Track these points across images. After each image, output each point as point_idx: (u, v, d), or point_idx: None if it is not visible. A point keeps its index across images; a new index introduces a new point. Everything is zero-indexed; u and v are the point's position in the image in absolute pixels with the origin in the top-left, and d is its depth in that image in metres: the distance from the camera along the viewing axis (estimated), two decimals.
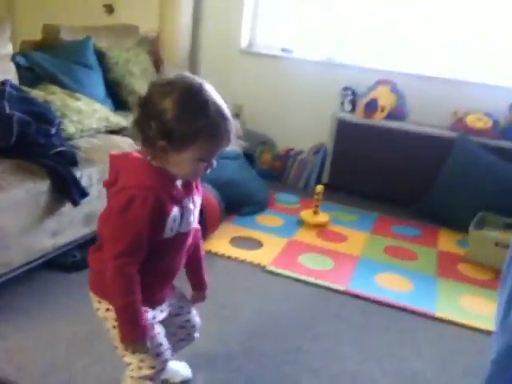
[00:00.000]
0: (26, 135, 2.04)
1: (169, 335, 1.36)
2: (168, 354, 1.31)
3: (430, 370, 1.81)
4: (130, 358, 1.26)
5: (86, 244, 2.18)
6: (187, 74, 1.14)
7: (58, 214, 1.99)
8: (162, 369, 1.30)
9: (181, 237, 1.21)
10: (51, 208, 1.95)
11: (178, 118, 1.06)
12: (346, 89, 3.53)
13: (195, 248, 1.36)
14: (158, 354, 1.27)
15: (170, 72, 1.13)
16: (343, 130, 3.47)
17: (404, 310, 2.16)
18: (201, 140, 1.07)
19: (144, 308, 1.21)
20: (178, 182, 1.18)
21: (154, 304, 1.28)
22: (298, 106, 3.71)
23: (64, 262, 2.15)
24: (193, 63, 3.79)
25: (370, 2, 3.48)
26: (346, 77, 3.53)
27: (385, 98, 3.36)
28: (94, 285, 1.27)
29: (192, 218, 1.22)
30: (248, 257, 2.46)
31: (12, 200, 1.79)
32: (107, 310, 1.23)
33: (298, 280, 2.31)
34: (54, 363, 1.62)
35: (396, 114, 3.41)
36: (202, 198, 1.29)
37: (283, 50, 3.75)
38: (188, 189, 1.21)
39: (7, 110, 2.04)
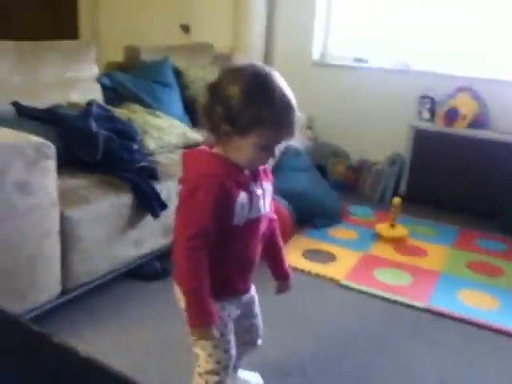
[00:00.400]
0: (111, 151, 2.16)
1: (235, 336, 1.39)
2: (234, 352, 1.34)
3: None
4: (198, 350, 1.31)
5: (165, 254, 2.27)
6: (257, 62, 1.17)
7: (140, 225, 2.09)
8: (228, 365, 1.33)
9: (252, 224, 1.22)
10: (134, 220, 2.05)
11: (243, 104, 1.09)
12: (424, 97, 3.41)
13: (272, 237, 1.36)
14: (226, 351, 1.30)
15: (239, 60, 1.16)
16: (421, 139, 3.34)
17: (489, 328, 2.03)
18: (264, 127, 1.10)
19: (222, 304, 1.25)
20: (244, 168, 1.19)
21: (238, 293, 1.31)
22: (372, 115, 3.64)
23: (145, 271, 2.24)
24: None
25: (446, 4, 3.35)
26: (422, 85, 3.41)
27: (466, 106, 3.21)
28: (176, 275, 1.29)
29: (261, 204, 1.22)
30: (322, 270, 2.43)
31: (97, 212, 1.90)
32: None
33: (373, 295, 2.24)
34: (134, 368, 1.68)
35: (478, 122, 3.24)
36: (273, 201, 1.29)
37: (356, 59, 3.71)
38: (255, 174, 1.21)
39: (94, 128, 2.18)
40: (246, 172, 1.20)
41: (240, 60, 1.16)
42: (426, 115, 3.40)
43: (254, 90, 1.10)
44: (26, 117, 2.15)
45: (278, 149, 1.17)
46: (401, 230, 2.84)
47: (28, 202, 1.64)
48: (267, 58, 3.89)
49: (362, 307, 2.17)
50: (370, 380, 1.71)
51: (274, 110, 1.09)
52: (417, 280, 2.39)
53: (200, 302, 1.17)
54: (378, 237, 2.82)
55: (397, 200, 2.83)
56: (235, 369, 1.59)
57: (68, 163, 2.04)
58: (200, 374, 1.34)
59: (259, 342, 1.52)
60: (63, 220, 1.78)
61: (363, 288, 2.29)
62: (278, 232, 1.40)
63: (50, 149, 1.71)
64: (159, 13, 4.22)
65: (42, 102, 2.28)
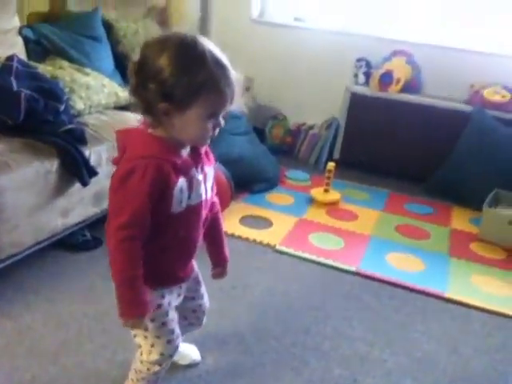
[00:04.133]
0: (35, 113, 2.01)
1: (180, 319, 1.35)
2: (179, 341, 1.31)
3: (440, 351, 1.81)
4: (140, 341, 1.26)
5: (96, 223, 2.18)
6: (178, 30, 1.08)
7: (68, 193, 1.98)
8: (171, 355, 1.30)
9: (193, 209, 1.16)
10: (61, 187, 1.94)
11: (176, 74, 1.00)
12: (359, 60, 3.44)
13: (214, 221, 1.31)
14: (169, 341, 1.27)
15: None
16: (356, 103, 3.39)
17: (415, 290, 2.14)
18: (203, 94, 1.02)
19: (161, 293, 1.20)
20: (184, 152, 1.13)
21: (178, 282, 1.26)
22: (310, 78, 3.63)
23: (74, 241, 2.15)
24: (203, 34, 3.70)
25: None
26: (359, 47, 3.44)
27: (400, 70, 3.27)
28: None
29: (202, 190, 1.17)
30: (258, 236, 2.44)
31: (20, 179, 1.78)
32: None
33: (307, 260, 2.29)
34: (65, 344, 1.64)
35: (411, 86, 3.32)
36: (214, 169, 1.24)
37: (296, 19, 3.64)
38: (196, 158, 1.15)
39: (15, 87, 2.00)
40: (186, 156, 1.12)
41: (159, 33, 1.05)
42: (362, 79, 3.44)
43: (184, 56, 1.02)
44: None
45: (223, 116, 1.10)
46: (334, 195, 2.90)
47: None
48: (204, 14, 3.72)
49: (296, 272, 2.22)
50: (305, 344, 1.76)
51: (210, 72, 1.02)
52: (348, 244, 2.47)
53: (133, 294, 1.09)
54: (312, 201, 2.87)
55: (331, 165, 2.88)
56: None
57: None
58: (142, 362, 1.30)
59: (204, 320, 1.50)
60: None
61: (298, 253, 2.33)
62: (220, 215, 1.34)
63: None
64: None
65: None
